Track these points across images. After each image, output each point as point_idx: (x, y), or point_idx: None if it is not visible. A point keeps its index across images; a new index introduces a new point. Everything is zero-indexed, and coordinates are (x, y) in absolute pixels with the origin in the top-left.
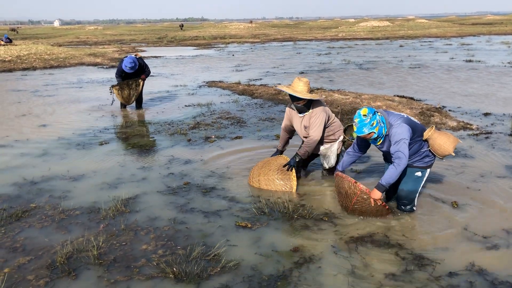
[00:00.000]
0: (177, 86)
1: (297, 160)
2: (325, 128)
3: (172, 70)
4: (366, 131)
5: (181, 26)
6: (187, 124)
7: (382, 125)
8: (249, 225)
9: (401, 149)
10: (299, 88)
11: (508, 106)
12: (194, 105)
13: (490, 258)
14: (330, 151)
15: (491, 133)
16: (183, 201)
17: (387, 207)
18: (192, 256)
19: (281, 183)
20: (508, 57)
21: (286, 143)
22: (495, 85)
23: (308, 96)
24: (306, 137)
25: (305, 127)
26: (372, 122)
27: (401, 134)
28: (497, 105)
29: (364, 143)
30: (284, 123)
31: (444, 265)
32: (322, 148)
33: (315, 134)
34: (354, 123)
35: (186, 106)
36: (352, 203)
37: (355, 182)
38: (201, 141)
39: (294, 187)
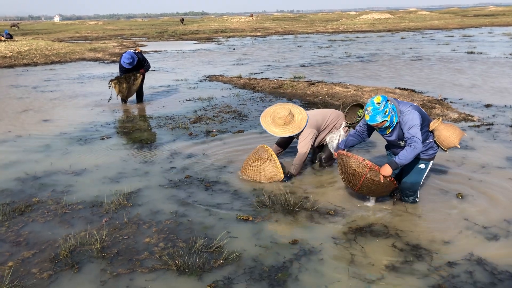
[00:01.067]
0: (178, 80)
1: (290, 177)
2: (317, 137)
3: (173, 64)
4: (379, 119)
5: (182, 20)
6: (188, 118)
7: (393, 113)
8: (250, 218)
9: (415, 134)
10: (281, 122)
11: (509, 98)
12: (195, 99)
13: (489, 248)
14: (335, 137)
15: (492, 124)
16: (185, 195)
17: (395, 182)
18: (194, 249)
19: (271, 173)
20: (510, 49)
21: (280, 150)
22: (497, 77)
23: (292, 131)
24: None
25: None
26: (385, 110)
27: (413, 120)
28: (499, 96)
29: (368, 131)
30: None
31: (443, 256)
32: (327, 138)
33: (302, 150)
34: (367, 111)
35: (187, 100)
36: (361, 181)
37: (364, 160)
38: (203, 135)
39: (281, 174)
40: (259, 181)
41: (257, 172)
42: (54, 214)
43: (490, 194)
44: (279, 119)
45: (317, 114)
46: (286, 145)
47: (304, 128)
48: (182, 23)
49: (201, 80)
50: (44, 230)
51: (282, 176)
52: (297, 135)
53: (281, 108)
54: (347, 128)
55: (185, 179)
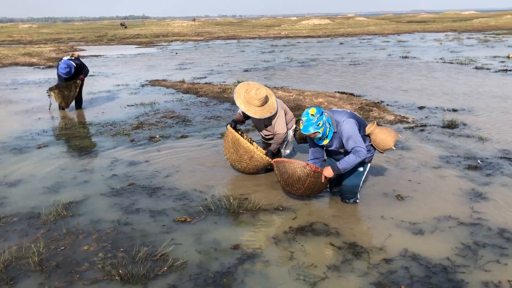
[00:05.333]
0: (118, 85)
1: (270, 154)
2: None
3: (113, 69)
4: (311, 130)
5: (123, 24)
6: (130, 124)
7: (328, 126)
8: (188, 219)
9: (357, 143)
10: (258, 103)
11: (440, 99)
12: (137, 105)
13: (423, 244)
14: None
15: (425, 125)
16: (128, 202)
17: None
18: (138, 257)
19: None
20: (440, 53)
21: (241, 122)
22: (429, 80)
23: (270, 112)
24: (267, 135)
25: (265, 126)
26: (319, 122)
27: (350, 129)
28: (431, 98)
29: (317, 145)
30: (237, 116)
31: (379, 253)
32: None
33: (280, 129)
34: (301, 121)
35: (128, 105)
36: (306, 184)
37: (307, 164)
38: (145, 141)
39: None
40: (251, 173)
41: (247, 168)
42: None
43: (426, 193)
44: (259, 100)
45: (280, 101)
46: (243, 121)
47: (277, 109)
48: (125, 27)
49: (143, 85)
50: None
51: (268, 160)
52: (266, 118)
53: (257, 89)
54: (294, 132)
55: (127, 187)
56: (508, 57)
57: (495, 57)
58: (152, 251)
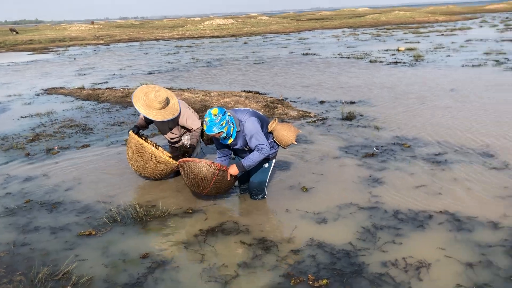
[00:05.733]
0: (10, 96)
1: (192, 149)
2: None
3: (3, 79)
4: (215, 130)
5: (13, 30)
6: (24, 137)
7: (231, 125)
8: (93, 232)
9: (259, 140)
10: (159, 106)
11: (336, 93)
12: (32, 116)
13: (327, 232)
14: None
15: (326, 119)
16: (25, 221)
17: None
18: (38, 279)
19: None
20: (338, 49)
21: (145, 127)
22: (326, 75)
23: (173, 113)
24: (172, 138)
25: (170, 129)
26: (222, 122)
27: (253, 127)
28: (328, 92)
29: (223, 145)
30: (139, 121)
31: (287, 245)
32: (184, 138)
33: (195, 125)
34: (205, 122)
35: (22, 117)
36: (211, 183)
37: (212, 163)
38: (42, 154)
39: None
40: (159, 178)
41: (153, 174)
42: None
43: (328, 183)
44: (159, 102)
45: (183, 101)
46: (146, 126)
47: (180, 110)
48: (16, 33)
49: (38, 94)
50: None
51: (175, 163)
52: (170, 120)
53: (156, 91)
54: (200, 133)
55: (24, 204)
56: (398, 50)
57: (387, 50)
58: (53, 270)
